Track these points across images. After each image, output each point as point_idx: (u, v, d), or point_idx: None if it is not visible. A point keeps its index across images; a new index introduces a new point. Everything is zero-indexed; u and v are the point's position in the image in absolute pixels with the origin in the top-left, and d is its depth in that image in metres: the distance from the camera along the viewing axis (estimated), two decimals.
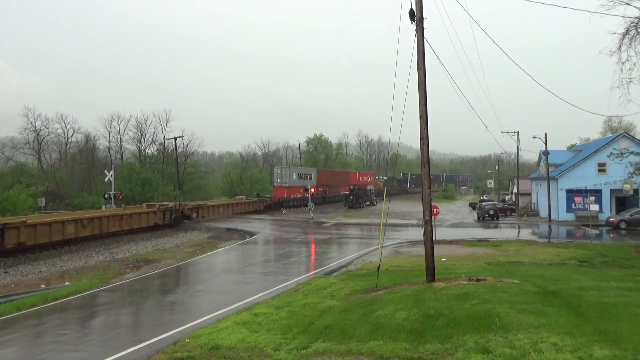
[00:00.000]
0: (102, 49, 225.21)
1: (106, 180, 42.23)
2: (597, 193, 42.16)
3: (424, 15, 12.88)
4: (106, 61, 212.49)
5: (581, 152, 50.38)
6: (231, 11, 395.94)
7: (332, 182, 70.23)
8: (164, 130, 72.20)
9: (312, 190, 53.19)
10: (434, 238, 13.77)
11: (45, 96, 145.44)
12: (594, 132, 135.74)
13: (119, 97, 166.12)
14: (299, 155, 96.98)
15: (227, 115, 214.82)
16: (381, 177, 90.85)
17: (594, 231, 33.71)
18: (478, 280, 11.89)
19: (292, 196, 57.96)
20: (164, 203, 39.06)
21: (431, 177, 14.30)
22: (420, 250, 15.50)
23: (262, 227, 37.49)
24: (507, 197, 75.55)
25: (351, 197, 62.14)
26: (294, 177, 59.33)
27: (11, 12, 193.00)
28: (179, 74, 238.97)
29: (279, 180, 58.33)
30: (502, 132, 51.82)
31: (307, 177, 60.68)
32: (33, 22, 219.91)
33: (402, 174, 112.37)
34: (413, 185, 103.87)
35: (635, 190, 38.07)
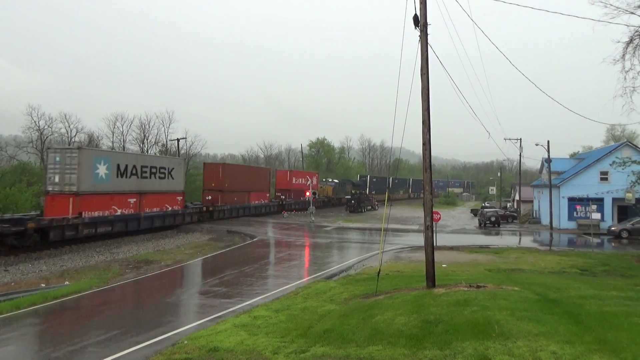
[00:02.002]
0: (105, 50, 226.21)
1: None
2: (599, 201, 42.04)
3: (428, 20, 12.91)
4: (109, 62, 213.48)
5: (584, 160, 50.31)
6: (235, 15, 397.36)
7: (232, 185, 44.88)
8: (166, 131, 72.30)
9: (308, 194, 53.41)
10: (434, 244, 13.75)
11: (49, 96, 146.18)
12: (596, 140, 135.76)
13: (122, 97, 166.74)
14: (301, 159, 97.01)
15: (229, 118, 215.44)
16: (330, 180, 73.61)
17: (596, 240, 33.60)
18: (478, 286, 11.86)
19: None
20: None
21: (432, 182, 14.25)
22: (421, 255, 15.47)
23: (263, 230, 37.47)
24: (508, 204, 75.51)
25: (353, 202, 62.23)
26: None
27: (14, 12, 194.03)
28: (182, 76, 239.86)
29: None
30: (505, 139, 51.68)
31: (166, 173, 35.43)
32: (37, 21, 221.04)
33: (360, 177, 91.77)
34: (374, 192, 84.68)
35: (638, 200, 37.95)
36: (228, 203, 44.65)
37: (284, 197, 57.96)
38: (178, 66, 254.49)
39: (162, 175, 34.94)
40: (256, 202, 50.71)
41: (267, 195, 53.84)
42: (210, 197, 43.43)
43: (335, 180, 73.70)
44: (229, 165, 51.30)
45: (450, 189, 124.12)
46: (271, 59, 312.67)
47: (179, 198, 37.05)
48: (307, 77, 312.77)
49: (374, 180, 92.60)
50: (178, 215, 37.03)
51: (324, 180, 73.67)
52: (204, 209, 42.20)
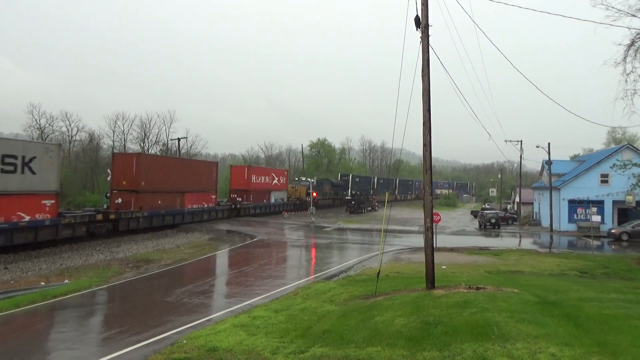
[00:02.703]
0: (105, 49, 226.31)
1: (108, 179, 42.17)
2: (599, 204, 42.01)
3: (429, 22, 12.91)
4: (110, 61, 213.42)
5: (584, 163, 50.29)
6: (235, 15, 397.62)
7: (154, 183, 34.59)
8: (167, 131, 72.38)
9: (314, 194, 53.28)
10: (434, 245, 13.74)
11: (50, 95, 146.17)
12: (597, 142, 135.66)
13: (123, 97, 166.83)
14: (301, 159, 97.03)
15: (230, 119, 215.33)
16: (304, 179, 63.38)
17: (596, 242, 33.56)
18: (478, 288, 11.86)
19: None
20: None
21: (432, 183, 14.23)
22: (421, 257, 15.46)
23: (263, 230, 37.47)
24: (509, 206, 75.54)
25: (353, 203, 62.21)
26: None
27: (15, 10, 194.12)
28: (182, 77, 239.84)
29: None
30: (506, 141, 51.67)
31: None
32: (37, 20, 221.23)
33: (341, 177, 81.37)
34: (357, 192, 76.45)
35: (638, 202, 37.93)
36: (147, 208, 33.55)
37: (240, 198, 47.29)
38: (179, 67, 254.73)
39: (10, 168, 23.29)
40: (194, 206, 39.75)
41: (213, 196, 42.82)
42: (120, 201, 32.87)
43: (310, 180, 61.82)
44: (148, 156, 39.69)
45: (438, 191, 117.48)
46: (272, 61, 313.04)
47: (47, 203, 25.35)
48: (308, 79, 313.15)
49: (357, 180, 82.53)
50: (44, 229, 25.14)
51: (296, 179, 65.69)
52: (110, 216, 30.63)
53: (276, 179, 53.09)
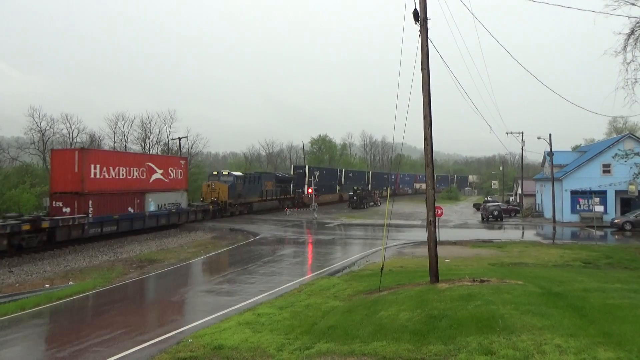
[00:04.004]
0: (104, 51, 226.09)
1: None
2: (601, 194, 41.96)
3: (428, 15, 12.87)
4: (109, 62, 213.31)
5: (586, 153, 50.18)
6: (233, 13, 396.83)
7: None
8: (168, 130, 72.22)
9: (310, 191, 53.25)
10: (437, 239, 13.74)
11: (50, 97, 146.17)
12: (598, 132, 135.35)
13: (123, 98, 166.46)
14: (302, 156, 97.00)
15: (231, 117, 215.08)
16: (225, 173, 46.34)
17: (599, 232, 33.54)
18: (482, 281, 11.86)
19: None
20: None
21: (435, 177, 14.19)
22: (424, 251, 15.47)
23: (266, 227, 37.51)
24: (511, 198, 75.49)
25: (355, 198, 62.13)
26: None
27: (13, 14, 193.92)
28: (182, 76, 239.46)
29: None
30: (507, 133, 51.56)
31: None
32: (35, 23, 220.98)
33: (295, 170, 65.48)
34: (320, 189, 60.95)
35: None
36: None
37: (68, 208, 27.79)
38: (179, 67, 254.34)
39: None
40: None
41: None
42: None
43: (237, 174, 47.74)
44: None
45: (417, 185, 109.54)
46: (271, 59, 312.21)
47: None
48: (308, 76, 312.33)
49: (317, 172, 64.18)
50: None
51: (215, 173, 47.28)
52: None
53: (160, 171, 34.57)
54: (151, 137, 72.09)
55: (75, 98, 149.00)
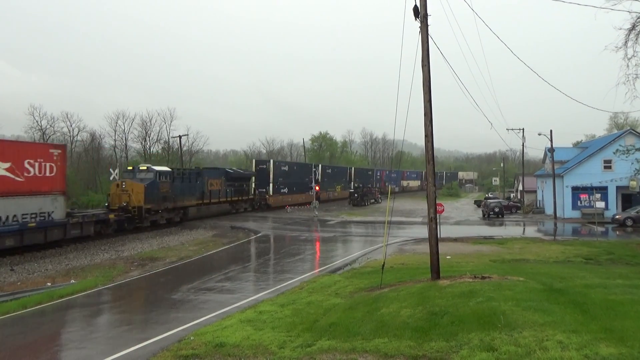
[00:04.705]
0: (104, 49, 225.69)
1: (111, 178, 42.10)
2: (602, 190, 41.94)
3: (428, 11, 12.84)
4: (109, 61, 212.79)
5: (587, 149, 50.13)
6: (232, 12, 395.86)
7: None
8: (168, 128, 72.23)
9: (317, 188, 52.96)
10: (438, 235, 13.73)
11: (50, 96, 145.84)
12: (599, 128, 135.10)
13: (123, 97, 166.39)
14: (303, 153, 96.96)
15: (231, 115, 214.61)
16: (143, 168, 35.68)
17: (600, 228, 33.52)
18: (483, 277, 11.86)
19: None
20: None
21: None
22: (425, 247, 15.46)
23: (267, 225, 37.53)
24: (512, 195, 75.43)
25: (356, 195, 62.15)
26: None
27: (11, 14, 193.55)
28: (182, 75, 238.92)
29: None
30: (507, 130, 51.52)
31: None
32: (34, 22, 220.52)
33: (257, 165, 53.74)
34: (285, 188, 54.36)
35: None
36: None
37: None
38: (179, 66, 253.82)
39: None
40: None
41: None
42: None
43: (160, 169, 36.96)
44: None
45: (405, 182, 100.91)
46: (271, 57, 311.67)
47: None
48: (308, 74, 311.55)
49: (285, 168, 56.09)
50: None
51: (130, 169, 36.53)
52: None
53: (4, 165, 23.42)
54: (151, 135, 72.22)
55: (75, 96, 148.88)
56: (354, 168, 79.56)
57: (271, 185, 51.91)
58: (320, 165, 65.23)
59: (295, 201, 56.11)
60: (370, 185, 74.22)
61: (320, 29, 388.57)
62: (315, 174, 59.29)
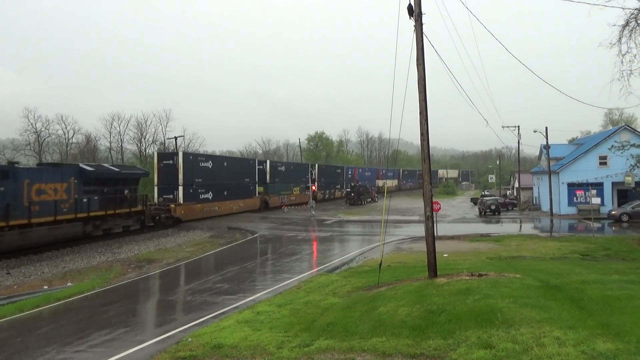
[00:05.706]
0: (99, 51, 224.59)
1: None
2: (598, 186, 42.07)
3: (423, 10, 12.85)
4: (104, 63, 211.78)
5: (582, 146, 50.31)
6: (226, 15, 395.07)
7: None
8: (164, 130, 71.89)
9: (314, 188, 52.91)
10: (435, 234, 13.75)
11: (44, 98, 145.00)
12: (594, 125, 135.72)
13: (118, 98, 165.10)
14: (299, 153, 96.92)
15: (226, 116, 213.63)
16: (39, 165, 30.88)
17: (596, 224, 33.66)
18: (480, 275, 11.88)
19: None
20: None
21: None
22: (422, 246, 15.48)
23: (264, 225, 37.49)
24: (508, 192, 75.59)
25: (352, 194, 62.24)
26: None
27: (5, 15, 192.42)
28: (177, 76, 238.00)
29: None
30: (503, 127, 51.83)
31: None
32: (29, 24, 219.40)
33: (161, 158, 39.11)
34: (226, 192, 43.21)
35: (637, 183, 37.99)
36: None
37: None
38: (173, 68, 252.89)
39: None
40: None
41: None
42: None
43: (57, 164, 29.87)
44: None
45: (380, 181, 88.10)
46: (265, 59, 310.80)
47: None
48: (302, 75, 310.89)
49: (209, 164, 41.56)
50: None
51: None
52: None
53: None
54: (147, 136, 71.97)
55: (70, 98, 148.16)
56: (317, 165, 68.02)
57: (181, 187, 37.09)
58: (268, 163, 53.85)
59: (224, 209, 42.50)
60: (339, 186, 70.86)
61: (316, 28, 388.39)
62: (262, 175, 51.31)
